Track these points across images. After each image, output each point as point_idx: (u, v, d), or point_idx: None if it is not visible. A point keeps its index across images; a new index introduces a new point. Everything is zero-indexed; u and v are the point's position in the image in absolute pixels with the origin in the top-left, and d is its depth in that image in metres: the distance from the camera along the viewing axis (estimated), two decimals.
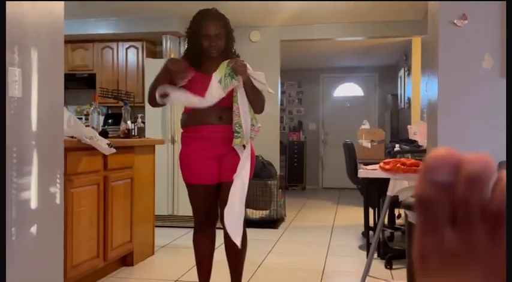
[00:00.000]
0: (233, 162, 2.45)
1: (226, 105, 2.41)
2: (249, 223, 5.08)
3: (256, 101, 2.47)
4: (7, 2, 1.88)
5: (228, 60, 2.40)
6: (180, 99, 2.44)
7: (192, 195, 2.55)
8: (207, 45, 2.45)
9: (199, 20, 2.49)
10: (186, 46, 2.60)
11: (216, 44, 2.45)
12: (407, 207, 2.48)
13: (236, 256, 2.55)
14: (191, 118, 2.46)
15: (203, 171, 2.46)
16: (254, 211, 5.18)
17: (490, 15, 1.90)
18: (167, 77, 2.41)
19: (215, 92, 2.36)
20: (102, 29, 5.61)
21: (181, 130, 2.57)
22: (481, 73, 1.90)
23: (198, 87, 2.39)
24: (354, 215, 5.76)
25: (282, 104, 9.09)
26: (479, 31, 1.90)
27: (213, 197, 2.51)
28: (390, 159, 2.83)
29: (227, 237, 2.53)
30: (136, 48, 5.76)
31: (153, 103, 2.48)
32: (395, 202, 3.48)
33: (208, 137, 2.43)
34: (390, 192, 2.74)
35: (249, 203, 5.23)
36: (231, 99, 2.42)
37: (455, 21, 1.90)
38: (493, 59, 1.89)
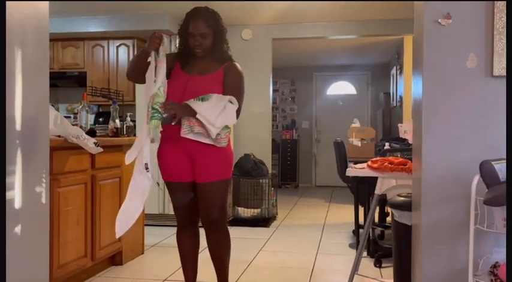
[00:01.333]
0: (205, 163, 2.44)
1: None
2: (240, 221, 5.11)
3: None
4: None
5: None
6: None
7: (171, 194, 2.57)
8: (192, 43, 2.44)
9: (188, 18, 2.48)
10: (178, 43, 2.59)
11: (200, 43, 2.43)
12: (393, 205, 2.49)
13: (219, 255, 2.55)
14: (166, 116, 2.45)
15: (176, 169, 2.47)
16: (245, 209, 5.19)
17: (474, 14, 1.90)
18: (145, 56, 2.40)
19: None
20: (93, 26, 5.58)
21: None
22: (465, 72, 1.90)
23: (174, 85, 2.41)
24: (345, 213, 5.77)
25: (274, 102, 9.11)
26: (463, 30, 1.90)
27: (190, 194, 2.50)
28: (378, 158, 2.84)
29: (208, 236, 2.53)
30: (127, 46, 5.73)
31: (133, 78, 2.54)
32: (385, 200, 3.49)
33: (177, 136, 2.39)
34: (378, 191, 2.76)
35: (241, 202, 5.24)
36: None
37: (439, 21, 1.90)
38: (477, 58, 1.89)
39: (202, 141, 2.39)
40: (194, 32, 2.42)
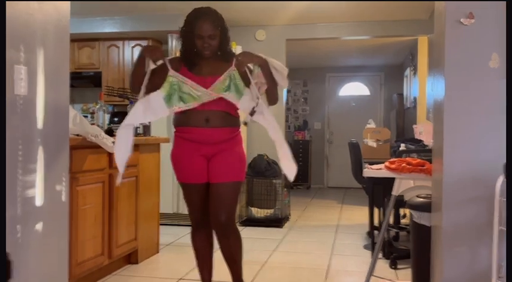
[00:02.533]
0: (220, 163, 2.45)
1: (214, 109, 2.40)
2: (253, 222, 5.11)
3: (271, 90, 2.51)
4: (14, 1, 1.88)
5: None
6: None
7: (185, 194, 2.58)
8: (200, 45, 2.42)
9: (193, 20, 2.44)
10: (181, 46, 2.55)
11: (209, 44, 2.41)
12: (412, 206, 2.48)
13: (231, 256, 2.55)
14: (181, 118, 2.47)
15: (191, 171, 2.47)
16: (259, 210, 5.19)
17: (497, 14, 1.88)
18: (143, 63, 2.45)
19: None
20: (109, 27, 5.63)
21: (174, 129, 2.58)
22: (488, 72, 1.88)
23: None
24: (359, 215, 5.75)
25: (287, 103, 9.09)
26: (486, 30, 1.89)
27: (205, 195, 2.51)
28: (395, 159, 2.83)
29: (219, 239, 2.54)
30: (142, 46, 5.76)
31: (135, 90, 2.53)
32: (400, 202, 3.47)
33: (194, 138, 2.43)
34: (395, 192, 2.74)
35: (254, 202, 5.24)
36: (220, 103, 2.41)
37: (461, 20, 1.89)
38: (500, 58, 1.87)
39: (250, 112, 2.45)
40: (203, 34, 2.39)
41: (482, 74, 1.89)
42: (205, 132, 2.41)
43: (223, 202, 2.44)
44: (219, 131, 2.42)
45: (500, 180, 1.65)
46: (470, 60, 1.90)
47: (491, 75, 1.88)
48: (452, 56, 1.91)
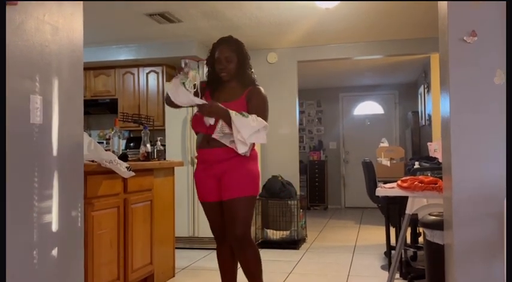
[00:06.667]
0: (229, 182, 2.55)
1: (212, 133, 2.54)
2: (269, 244, 5.09)
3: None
4: (30, 29, 1.97)
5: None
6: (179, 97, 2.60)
7: (204, 212, 2.73)
8: (218, 68, 2.58)
9: (214, 47, 2.66)
10: (207, 72, 2.75)
11: (225, 66, 2.57)
12: (425, 225, 2.46)
13: (249, 269, 2.61)
14: (196, 141, 2.69)
15: (204, 190, 2.64)
16: (274, 231, 5.17)
17: (499, 30, 1.90)
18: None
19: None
20: (124, 55, 5.77)
21: None
22: (492, 89, 1.89)
23: None
24: (376, 235, 5.68)
25: (301, 124, 9.12)
26: (489, 47, 1.90)
27: (221, 212, 2.62)
28: (408, 177, 2.82)
29: (237, 253, 2.63)
30: (157, 72, 5.89)
31: (169, 104, 2.70)
32: (417, 220, 3.43)
33: (202, 159, 2.63)
34: (409, 211, 2.72)
35: (269, 224, 5.23)
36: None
37: (465, 38, 1.91)
38: (505, 74, 1.88)
39: (227, 144, 2.51)
40: (220, 57, 2.58)
41: (487, 90, 1.89)
42: (207, 152, 2.57)
43: (236, 217, 2.54)
44: (220, 150, 2.53)
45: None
46: (475, 77, 1.91)
47: (496, 91, 1.88)
48: (457, 73, 1.93)
